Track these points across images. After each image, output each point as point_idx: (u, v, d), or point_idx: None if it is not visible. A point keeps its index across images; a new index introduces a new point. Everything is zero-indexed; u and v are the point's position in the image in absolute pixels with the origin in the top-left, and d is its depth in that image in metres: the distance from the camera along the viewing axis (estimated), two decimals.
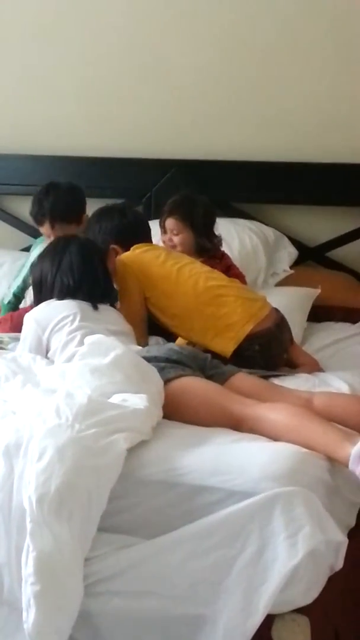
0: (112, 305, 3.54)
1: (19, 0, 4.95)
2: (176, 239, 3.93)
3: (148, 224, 3.94)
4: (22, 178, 4.87)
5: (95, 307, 3.40)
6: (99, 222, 3.81)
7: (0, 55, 5.02)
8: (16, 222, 5.11)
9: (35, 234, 4.80)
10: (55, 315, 3.36)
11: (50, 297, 3.45)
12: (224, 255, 4.10)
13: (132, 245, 3.72)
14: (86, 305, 3.39)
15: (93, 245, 3.62)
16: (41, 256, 3.62)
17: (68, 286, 3.42)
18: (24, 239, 4.99)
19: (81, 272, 3.44)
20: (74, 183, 4.19)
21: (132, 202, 4.49)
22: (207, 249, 3.94)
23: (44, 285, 3.50)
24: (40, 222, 4.09)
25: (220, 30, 4.71)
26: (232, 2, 4.67)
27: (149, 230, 3.90)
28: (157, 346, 3.35)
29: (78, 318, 3.31)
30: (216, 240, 4.05)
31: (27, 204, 4.74)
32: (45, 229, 4.07)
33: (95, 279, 3.48)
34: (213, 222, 4.04)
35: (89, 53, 4.89)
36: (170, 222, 3.97)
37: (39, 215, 4.08)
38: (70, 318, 3.32)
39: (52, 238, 4.00)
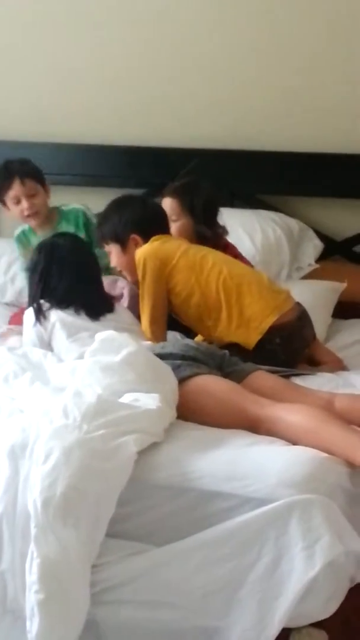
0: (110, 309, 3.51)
1: None
2: (174, 226, 3.82)
3: (167, 214, 3.83)
4: (42, 167, 4.76)
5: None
6: (118, 211, 3.71)
7: (24, 43, 4.92)
8: None
9: None
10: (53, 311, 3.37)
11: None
12: (227, 245, 3.98)
13: (151, 236, 3.64)
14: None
15: (79, 250, 3.58)
16: (30, 267, 3.60)
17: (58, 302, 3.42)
18: None
19: (67, 292, 3.43)
20: None
21: (154, 192, 4.39)
22: (207, 238, 3.83)
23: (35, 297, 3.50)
24: (9, 183, 4.07)
25: (248, 16, 4.60)
26: None
27: (167, 221, 3.80)
28: (173, 342, 3.25)
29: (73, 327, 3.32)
30: (220, 230, 3.94)
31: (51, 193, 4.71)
32: (14, 189, 4.06)
33: (84, 295, 3.45)
34: (215, 210, 3.94)
35: (113, 43, 4.78)
36: (168, 204, 3.87)
37: (7, 175, 4.08)
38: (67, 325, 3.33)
39: (23, 204, 4.05)
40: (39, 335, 3.35)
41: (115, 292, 3.78)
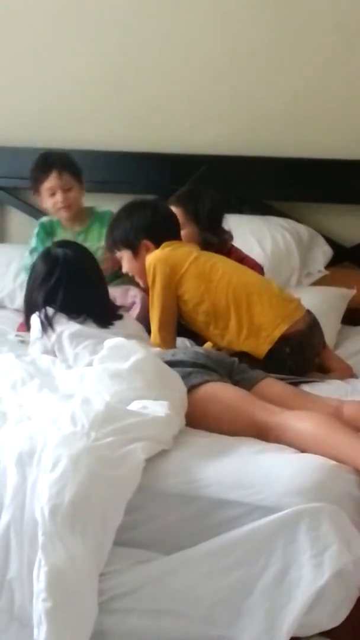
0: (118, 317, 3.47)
1: None
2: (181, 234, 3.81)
3: (178, 219, 3.82)
4: None
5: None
6: (130, 217, 3.70)
7: (28, 49, 4.93)
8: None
9: None
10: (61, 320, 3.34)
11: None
12: (232, 249, 3.96)
13: (163, 241, 3.62)
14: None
15: (84, 258, 3.54)
16: (33, 275, 3.55)
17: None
18: None
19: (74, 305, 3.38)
20: None
21: (163, 198, 4.39)
22: (213, 244, 3.81)
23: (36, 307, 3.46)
24: (46, 174, 4.15)
25: (257, 19, 4.61)
26: None
27: (179, 226, 3.79)
28: (183, 349, 3.24)
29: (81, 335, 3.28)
30: (226, 236, 3.93)
31: None
32: (51, 181, 4.14)
33: (92, 303, 3.41)
34: (220, 216, 3.93)
35: (120, 49, 4.79)
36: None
37: (45, 166, 4.16)
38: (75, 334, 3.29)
39: (57, 196, 4.11)
40: (44, 345, 3.33)
41: (127, 301, 3.78)
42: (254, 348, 3.38)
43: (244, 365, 3.11)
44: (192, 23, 4.68)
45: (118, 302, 3.68)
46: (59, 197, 4.15)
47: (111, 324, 3.36)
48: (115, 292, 3.78)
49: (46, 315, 3.33)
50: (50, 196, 4.17)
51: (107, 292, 3.54)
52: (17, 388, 2.89)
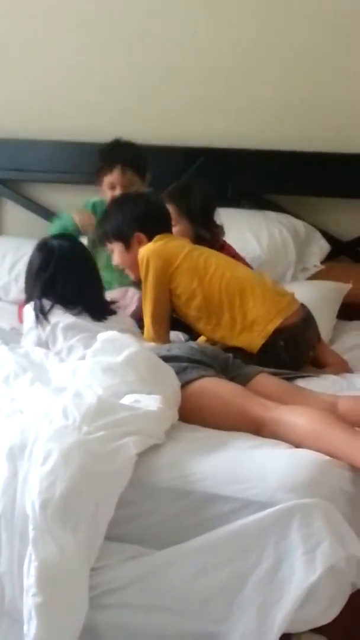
0: (112, 312, 3.48)
1: None
2: (173, 231, 3.78)
3: (170, 212, 3.79)
4: (47, 165, 4.76)
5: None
6: (122, 209, 3.69)
7: (29, 42, 4.93)
8: (41, 210, 5.00)
9: None
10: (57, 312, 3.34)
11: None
12: (224, 245, 3.95)
13: (155, 234, 3.61)
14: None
15: (81, 252, 3.56)
16: (30, 267, 3.54)
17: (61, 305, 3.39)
18: None
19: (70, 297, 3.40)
20: None
21: (159, 191, 4.37)
22: (206, 240, 3.80)
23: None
24: (110, 168, 4.12)
25: (255, 10, 4.59)
26: None
27: (171, 219, 3.77)
28: (178, 344, 3.22)
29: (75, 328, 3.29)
30: (217, 230, 3.91)
31: (53, 191, 4.68)
32: (114, 176, 4.11)
33: (88, 297, 3.43)
34: (212, 211, 3.92)
35: (119, 42, 4.79)
36: None
37: (111, 160, 4.13)
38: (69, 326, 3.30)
39: (117, 191, 4.08)
40: (38, 336, 3.33)
41: (125, 301, 3.76)
42: (247, 343, 3.37)
43: (238, 361, 3.10)
44: (189, 16, 4.67)
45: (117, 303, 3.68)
46: (118, 192, 4.12)
47: (105, 318, 3.36)
48: (114, 294, 3.77)
49: (41, 306, 3.33)
50: (110, 189, 4.15)
51: (102, 286, 3.54)
52: (10, 381, 2.88)
